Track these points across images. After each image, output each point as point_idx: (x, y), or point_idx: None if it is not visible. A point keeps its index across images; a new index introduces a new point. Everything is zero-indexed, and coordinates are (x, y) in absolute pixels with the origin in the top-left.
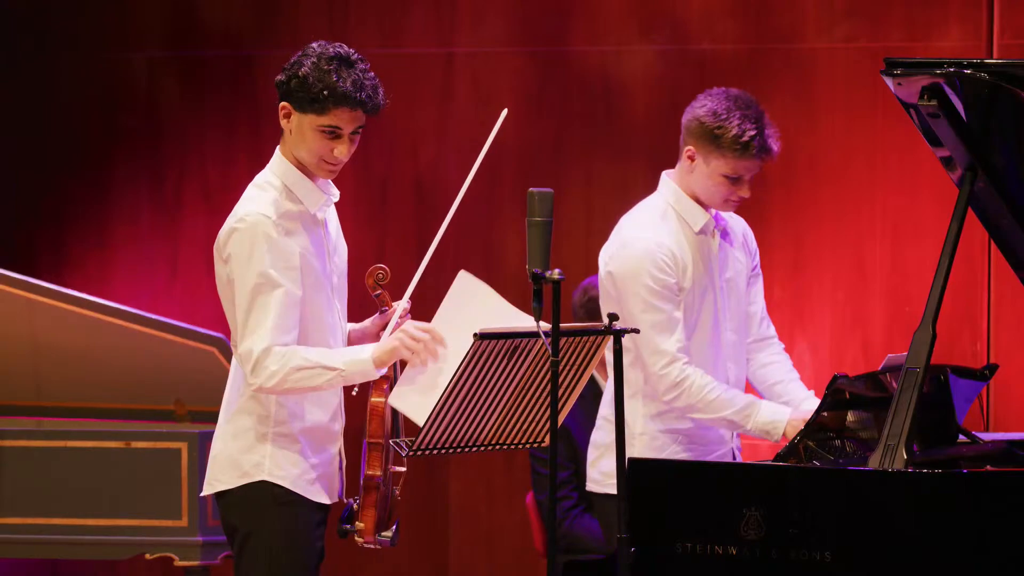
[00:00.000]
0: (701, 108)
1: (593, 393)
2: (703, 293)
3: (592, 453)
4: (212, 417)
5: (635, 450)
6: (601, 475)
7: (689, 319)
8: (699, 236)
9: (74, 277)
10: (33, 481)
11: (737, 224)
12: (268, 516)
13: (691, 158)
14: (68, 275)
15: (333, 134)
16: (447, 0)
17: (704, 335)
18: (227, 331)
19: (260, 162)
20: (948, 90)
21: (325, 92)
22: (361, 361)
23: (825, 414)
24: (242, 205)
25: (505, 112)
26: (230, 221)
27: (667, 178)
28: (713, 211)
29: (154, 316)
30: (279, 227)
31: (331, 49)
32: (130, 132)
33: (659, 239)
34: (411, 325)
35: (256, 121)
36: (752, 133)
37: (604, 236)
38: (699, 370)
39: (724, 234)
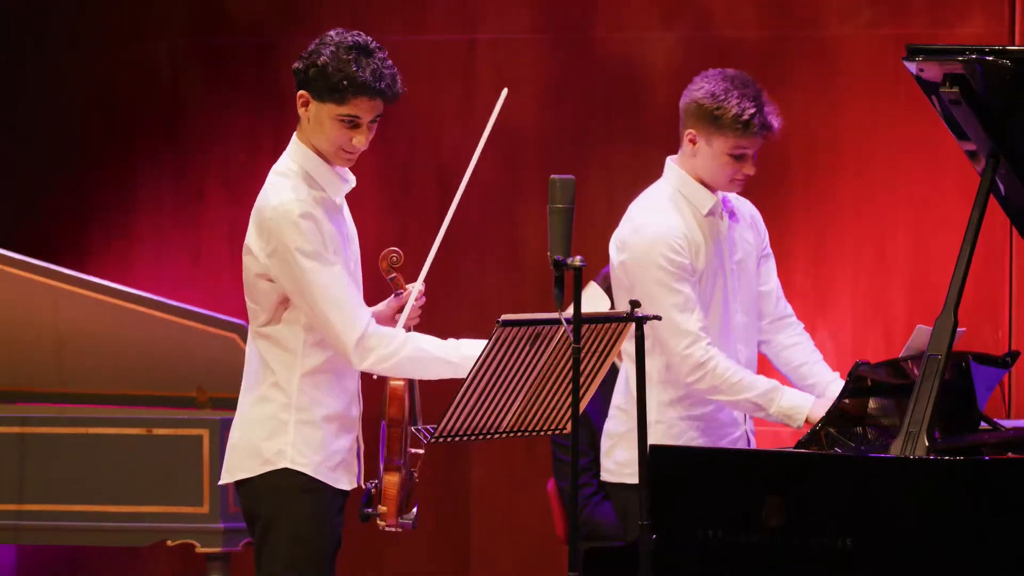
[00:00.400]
0: (699, 91)
1: (615, 380)
2: (714, 275)
3: (606, 442)
4: (233, 404)
5: (654, 438)
6: (615, 465)
7: (700, 301)
8: (708, 218)
9: (96, 266)
10: (55, 468)
11: (744, 206)
12: (291, 503)
13: (692, 141)
14: (91, 264)
15: (352, 123)
16: None
17: (715, 317)
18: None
19: (282, 149)
20: (970, 77)
21: (345, 82)
22: (473, 358)
23: (847, 401)
24: (272, 194)
25: (505, 92)
26: (265, 211)
27: (671, 163)
28: (720, 193)
29: (175, 303)
30: (314, 213)
31: (349, 38)
32: (153, 121)
33: (670, 222)
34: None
35: (279, 109)
36: (752, 111)
37: None
38: (722, 352)
39: (732, 215)
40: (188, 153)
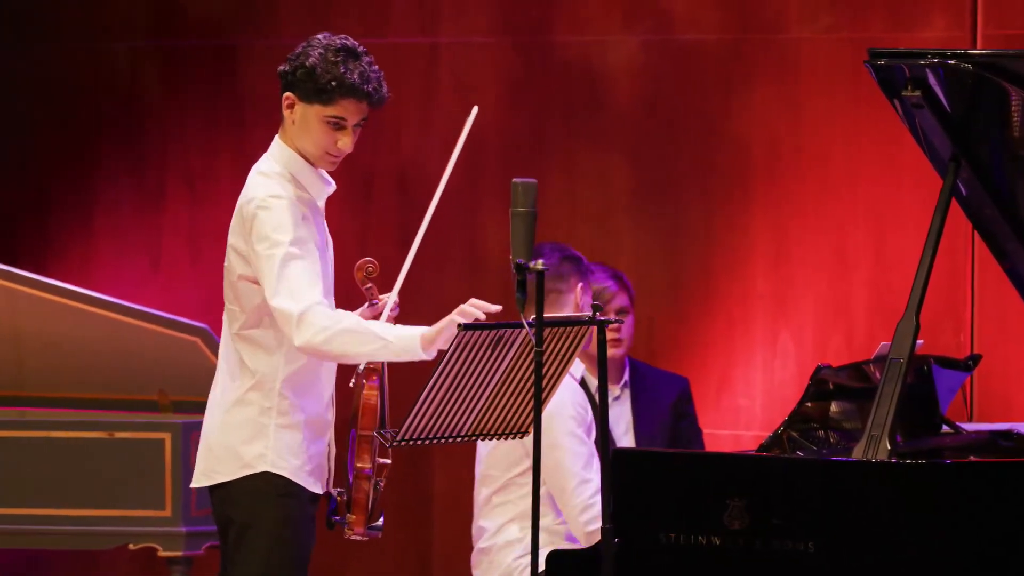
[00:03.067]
0: None
1: None
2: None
3: None
4: (195, 407)
5: None
6: None
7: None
8: None
9: (57, 267)
10: (15, 471)
11: None
12: (269, 507)
13: None
14: (51, 265)
15: (338, 125)
16: None
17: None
18: (211, 321)
19: (242, 151)
20: (932, 81)
21: (333, 83)
22: (409, 338)
23: (809, 404)
24: (260, 188)
25: (476, 110)
26: (251, 204)
27: None
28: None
29: (137, 306)
30: (299, 210)
31: (337, 41)
32: (112, 122)
33: None
34: (467, 306)
35: (238, 110)
36: None
37: (588, 226)
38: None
39: None
40: (148, 154)
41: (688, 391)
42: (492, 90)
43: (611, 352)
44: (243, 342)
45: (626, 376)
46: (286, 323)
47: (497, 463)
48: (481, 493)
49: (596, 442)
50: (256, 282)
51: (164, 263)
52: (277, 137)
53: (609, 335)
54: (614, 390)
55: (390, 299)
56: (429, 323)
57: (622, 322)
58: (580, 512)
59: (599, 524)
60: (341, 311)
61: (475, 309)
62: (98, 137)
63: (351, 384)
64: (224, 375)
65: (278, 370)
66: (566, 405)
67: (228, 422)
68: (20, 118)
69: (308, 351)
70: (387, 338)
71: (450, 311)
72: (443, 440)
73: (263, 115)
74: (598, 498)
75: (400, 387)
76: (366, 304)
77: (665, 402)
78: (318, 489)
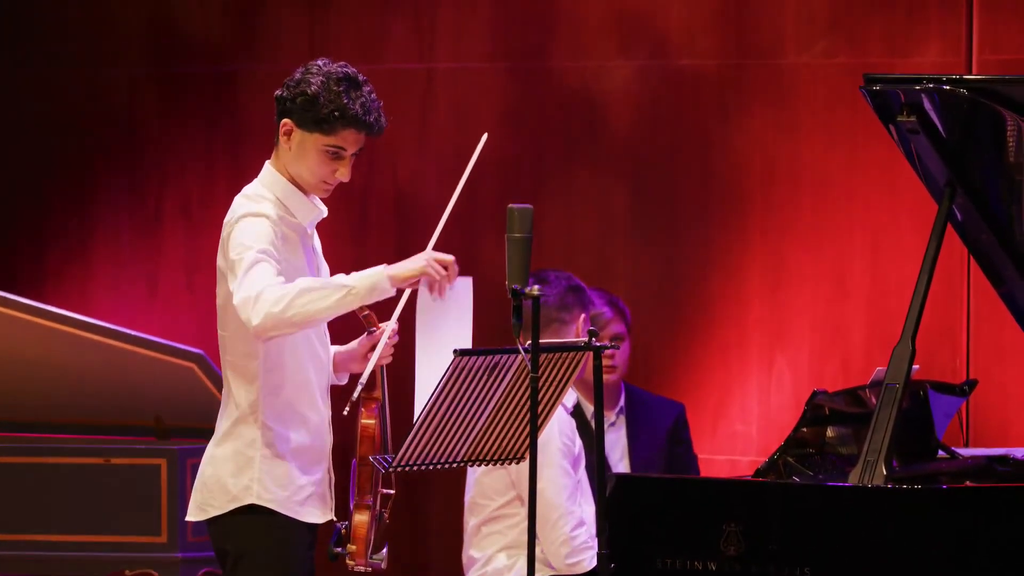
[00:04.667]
0: None
1: None
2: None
3: None
4: (191, 433)
5: None
6: None
7: None
8: None
9: (55, 293)
10: (11, 497)
11: None
12: (258, 539)
13: None
14: (49, 291)
15: (337, 155)
16: (427, 16)
17: None
18: (207, 347)
19: (240, 177)
20: (927, 106)
21: (336, 113)
22: (373, 274)
23: (805, 430)
24: (240, 208)
25: (485, 137)
26: (232, 220)
27: None
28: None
29: (133, 332)
30: (277, 230)
31: (338, 68)
32: (110, 148)
33: None
34: (435, 253)
35: (236, 137)
36: None
37: (583, 252)
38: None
39: None
40: (145, 181)
41: (684, 417)
42: (489, 116)
43: (606, 378)
44: (230, 371)
45: (621, 402)
46: (244, 308)
47: (484, 491)
48: (470, 522)
49: (589, 468)
50: (229, 301)
51: (161, 289)
52: (268, 163)
53: (604, 361)
54: (609, 416)
55: (388, 327)
56: None
57: (617, 347)
58: (561, 544)
59: (579, 557)
60: (294, 281)
61: (446, 258)
62: (96, 163)
63: (344, 412)
64: (221, 407)
65: (259, 401)
66: (553, 436)
67: (217, 455)
68: (19, 144)
69: (270, 326)
70: (348, 283)
71: None
72: (439, 466)
73: (261, 142)
74: (580, 531)
75: (397, 414)
76: (365, 334)
77: (661, 428)
78: (314, 518)
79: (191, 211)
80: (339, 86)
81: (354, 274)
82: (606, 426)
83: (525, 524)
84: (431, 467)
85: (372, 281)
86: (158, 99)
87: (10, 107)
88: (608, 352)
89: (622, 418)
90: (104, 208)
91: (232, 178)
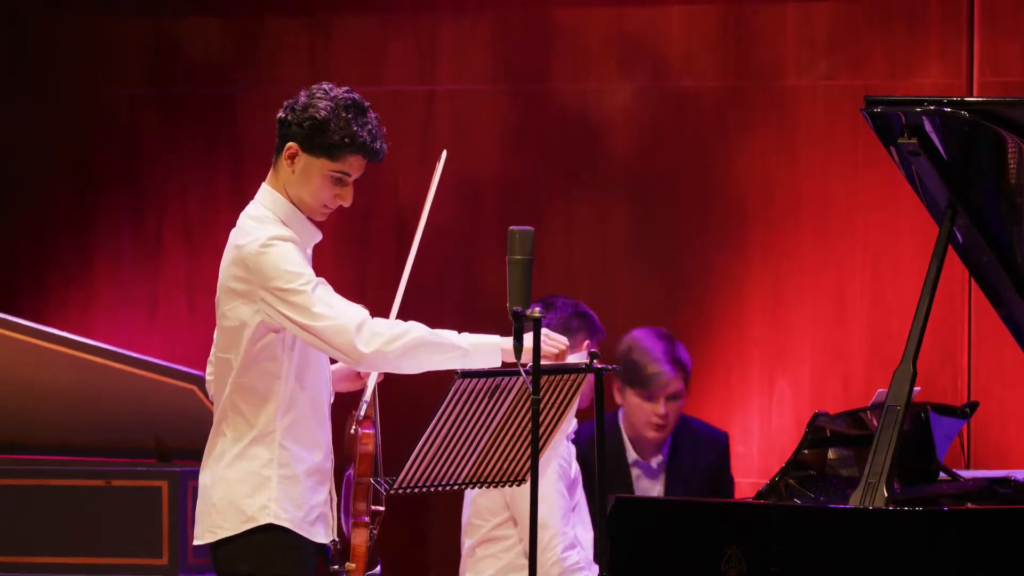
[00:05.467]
0: None
1: None
2: None
3: None
4: (192, 455)
5: None
6: None
7: None
8: None
9: (56, 315)
10: (12, 519)
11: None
12: (276, 559)
13: None
14: (50, 313)
15: (341, 181)
16: (428, 38)
17: None
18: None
19: (241, 199)
20: (928, 128)
21: (346, 139)
22: (489, 344)
23: (806, 452)
24: (258, 231)
25: (445, 154)
26: (250, 247)
27: None
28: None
29: (134, 354)
30: (293, 240)
31: (344, 94)
32: (111, 170)
33: None
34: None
35: (237, 158)
36: None
37: (584, 273)
38: None
39: None
40: (146, 202)
41: (727, 450)
42: (490, 137)
43: (654, 435)
44: (239, 392)
45: (666, 450)
46: (340, 335)
47: (479, 511)
48: (465, 543)
49: (590, 493)
50: (249, 324)
51: (161, 311)
52: (266, 184)
53: (655, 420)
54: (650, 463)
55: None
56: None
57: (618, 369)
58: (552, 564)
59: None
60: (410, 322)
61: (559, 336)
62: (97, 185)
63: (351, 430)
64: (224, 426)
65: (276, 421)
66: (550, 459)
67: (229, 477)
68: (19, 164)
69: (378, 362)
70: (463, 346)
71: None
72: (440, 488)
73: (262, 163)
74: (572, 552)
75: (395, 434)
76: None
77: (703, 467)
78: (322, 539)
79: (192, 232)
80: (348, 113)
81: (467, 336)
82: (643, 472)
83: (520, 547)
84: (432, 489)
85: (487, 349)
86: (159, 120)
87: (11, 127)
88: (661, 413)
89: (663, 467)
90: (105, 229)
91: (233, 199)
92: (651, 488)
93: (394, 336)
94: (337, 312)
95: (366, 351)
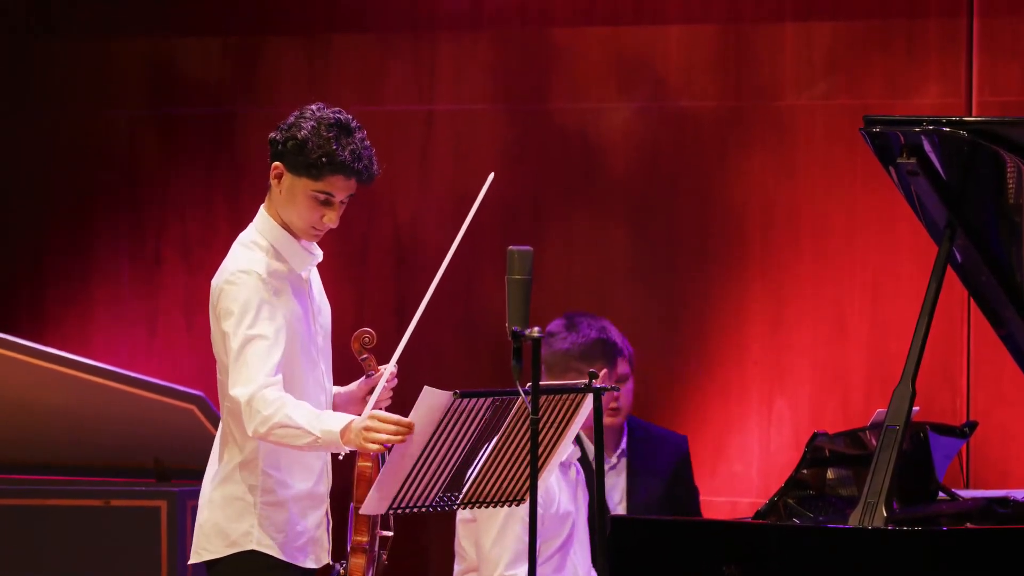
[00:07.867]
0: None
1: None
2: None
3: None
4: (191, 475)
5: None
6: None
7: None
8: None
9: (54, 335)
10: (11, 539)
11: None
12: None
13: None
14: (49, 332)
15: (325, 201)
16: (427, 58)
17: None
18: (207, 388)
19: (239, 219)
20: (927, 148)
21: (324, 159)
22: (332, 434)
23: (805, 471)
24: (231, 262)
25: (492, 176)
26: (220, 277)
27: None
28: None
29: (133, 374)
30: (269, 286)
31: (331, 114)
32: (110, 189)
33: None
34: (377, 415)
35: (236, 179)
36: None
37: (583, 293)
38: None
39: None
40: (145, 222)
41: (687, 453)
42: (489, 157)
43: (608, 421)
44: (229, 415)
45: (623, 444)
46: (237, 410)
47: (459, 539)
48: (456, 568)
49: (589, 508)
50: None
51: (160, 331)
52: (263, 207)
53: (607, 403)
54: (610, 459)
55: (387, 370)
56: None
57: (618, 390)
58: None
59: None
60: (284, 399)
61: (384, 425)
62: (96, 204)
63: (340, 457)
64: (216, 449)
65: (260, 447)
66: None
67: (215, 499)
68: (18, 185)
69: (259, 437)
70: (316, 434)
71: (446, 377)
72: (437, 508)
73: (260, 184)
74: None
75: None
76: (364, 376)
77: (663, 468)
78: (311, 564)
79: (191, 252)
80: (329, 132)
81: (325, 422)
82: (606, 468)
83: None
84: (429, 509)
85: (332, 440)
86: (158, 140)
87: (10, 148)
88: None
89: (623, 461)
90: (104, 249)
91: (231, 219)
92: (614, 487)
93: (265, 418)
94: (241, 382)
95: (250, 431)
